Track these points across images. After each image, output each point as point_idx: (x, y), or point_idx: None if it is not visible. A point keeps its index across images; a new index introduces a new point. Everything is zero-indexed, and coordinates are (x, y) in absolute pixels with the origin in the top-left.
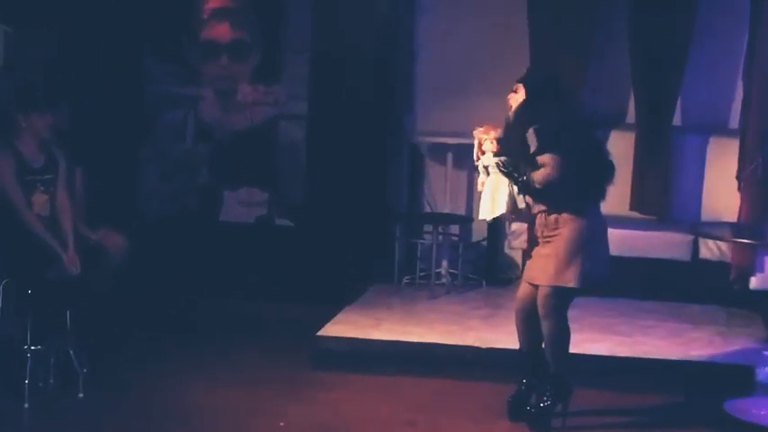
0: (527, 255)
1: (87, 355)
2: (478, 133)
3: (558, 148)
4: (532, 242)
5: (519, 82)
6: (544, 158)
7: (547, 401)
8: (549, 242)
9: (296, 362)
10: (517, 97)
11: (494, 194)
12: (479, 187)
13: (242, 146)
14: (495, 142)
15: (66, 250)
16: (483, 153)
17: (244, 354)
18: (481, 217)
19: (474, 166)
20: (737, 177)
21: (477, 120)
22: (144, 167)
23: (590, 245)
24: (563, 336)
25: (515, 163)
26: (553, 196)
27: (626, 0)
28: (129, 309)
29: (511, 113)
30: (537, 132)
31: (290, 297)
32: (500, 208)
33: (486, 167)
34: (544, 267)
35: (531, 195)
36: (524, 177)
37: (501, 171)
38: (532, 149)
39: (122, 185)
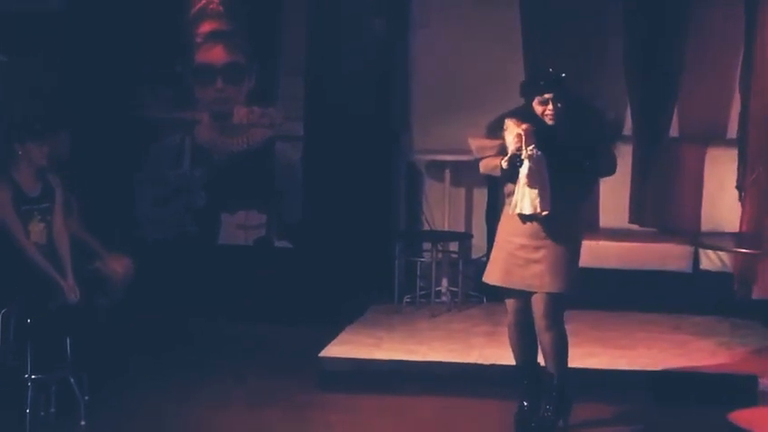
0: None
1: (88, 383)
2: (513, 129)
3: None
4: (509, 250)
5: (548, 91)
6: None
7: (549, 414)
8: (544, 247)
9: (298, 383)
10: (555, 108)
11: (530, 192)
12: (512, 186)
13: (239, 168)
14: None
15: (66, 278)
16: (519, 149)
17: (246, 376)
18: (522, 211)
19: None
20: (738, 187)
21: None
22: (141, 192)
23: (579, 249)
24: (565, 344)
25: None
26: (569, 200)
27: (621, 13)
28: (130, 334)
29: (550, 119)
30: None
31: (290, 318)
32: (537, 205)
33: (531, 156)
34: (541, 274)
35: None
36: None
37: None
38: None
39: (119, 211)
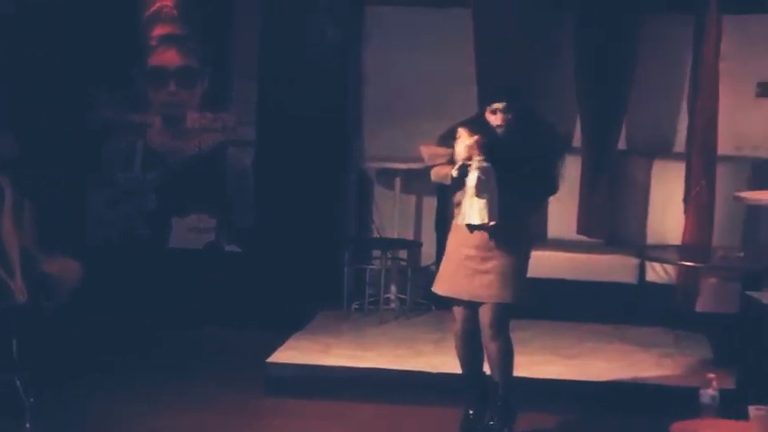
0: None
1: (34, 385)
2: (463, 138)
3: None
4: (457, 260)
5: (499, 101)
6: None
7: (494, 424)
8: (492, 258)
9: (246, 388)
10: (502, 118)
11: (477, 201)
12: (462, 194)
13: (190, 172)
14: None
15: (14, 279)
16: (470, 159)
17: (194, 380)
18: (468, 221)
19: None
20: (684, 200)
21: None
22: (92, 195)
23: (527, 260)
24: (511, 354)
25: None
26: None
27: (571, 25)
28: (78, 337)
29: (501, 130)
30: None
31: (239, 323)
32: (484, 215)
33: (480, 168)
34: (488, 284)
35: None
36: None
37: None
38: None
39: (70, 213)
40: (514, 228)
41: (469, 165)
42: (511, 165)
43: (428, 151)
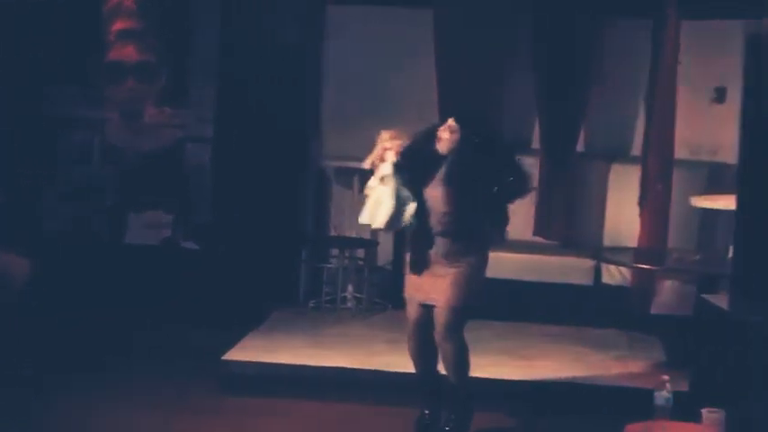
0: (416, 276)
1: None
2: (383, 140)
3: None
4: (420, 263)
5: (457, 124)
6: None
7: (451, 424)
8: (452, 265)
9: (202, 386)
10: (452, 139)
11: (375, 205)
12: (366, 191)
13: (148, 168)
14: (398, 155)
15: None
16: (383, 161)
17: (149, 378)
18: (360, 221)
19: (369, 168)
20: (640, 203)
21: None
22: (49, 190)
23: (485, 265)
24: (466, 355)
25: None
26: (478, 224)
27: (532, 29)
28: (30, 333)
29: (446, 153)
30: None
31: (195, 320)
32: (377, 221)
33: (382, 177)
34: (446, 289)
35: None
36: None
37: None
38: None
39: (27, 208)
40: (474, 237)
41: (382, 177)
42: (451, 184)
43: (386, 136)
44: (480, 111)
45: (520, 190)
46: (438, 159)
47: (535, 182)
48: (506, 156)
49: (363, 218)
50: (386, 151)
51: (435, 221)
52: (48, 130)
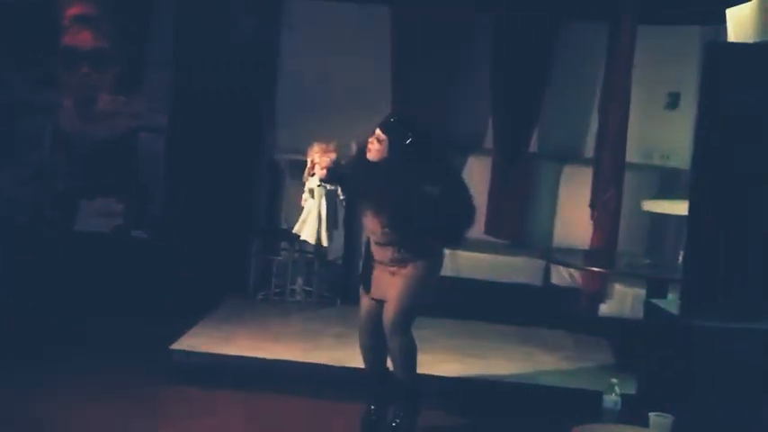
0: (366, 273)
1: None
2: (313, 152)
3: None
4: (369, 262)
5: (383, 133)
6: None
7: (397, 420)
8: (403, 268)
9: (149, 376)
10: (380, 149)
11: (307, 217)
12: (302, 203)
13: (100, 156)
14: (325, 170)
15: None
16: (312, 174)
17: (96, 368)
18: (294, 230)
19: (303, 181)
20: (591, 206)
21: (337, 138)
22: (2, 174)
23: (438, 266)
24: (413, 352)
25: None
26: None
27: (489, 27)
28: None
29: (377, 162)
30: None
31: (143, 310)
32: (306, 234)
33: (311, 190)
34: (397, 286)
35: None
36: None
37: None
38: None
39: None
40: (424, 243)
41: (311, 189)
42: (388, 199)
43: (318, 149)
44: (413, 115)
45: (464, 223)
46: (375, 171)
47: (486, 181)
48: (447, 180)
49: (296, 228)
50: (315, 165)
51: (379, 232)
52: (2, 115)
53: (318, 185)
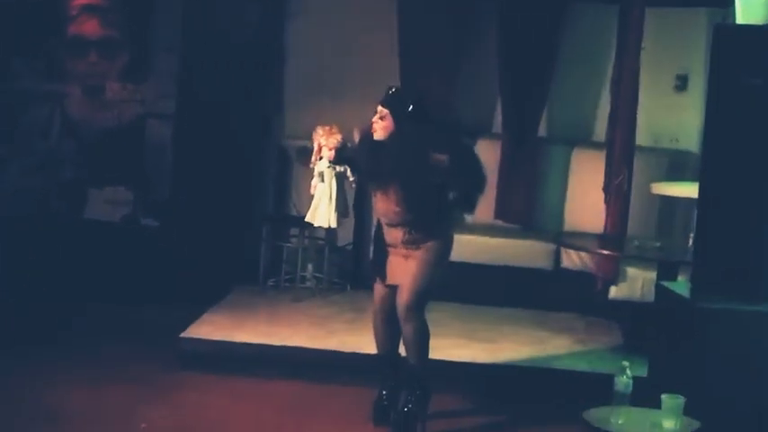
0: (379, 259)
1: None
2: (318, 136)
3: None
4: (380, 247)
5: (384, 107)
6: (463, 163)
7: (409, 405)
8: (415, 250)
9: (160, 363)
10: (385, 125)
11: (318, 203)
12: (312, 190)
13: (109, 144)
14: (333, 150)
15: None
16: (320, 158)
17: (108, 355)
18: (307, 219)
19: (311, 167)
20: (604, 189)
21: (345, 123)
22: (7, 164)
23: (449, 250)
24: (426, 337)
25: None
26: (434, 210)
27: (496, 10)
28: None
29: (384, 140)
30: (440, 150)
31: (154, 298)
32: (320, 220)
33: (321, 173)
34: (410, 270)
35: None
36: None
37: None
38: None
39: None
40: (434, 222)
41: (320, 173)
42: (398, 175)
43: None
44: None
45: (477, 189)
46: (383, 149)
47: (496, 166)
48: (455, 146)
49: (308, 216)
50: (321, 148)
51: (390, 212)
52: (9, 104)
53: (328, 167)
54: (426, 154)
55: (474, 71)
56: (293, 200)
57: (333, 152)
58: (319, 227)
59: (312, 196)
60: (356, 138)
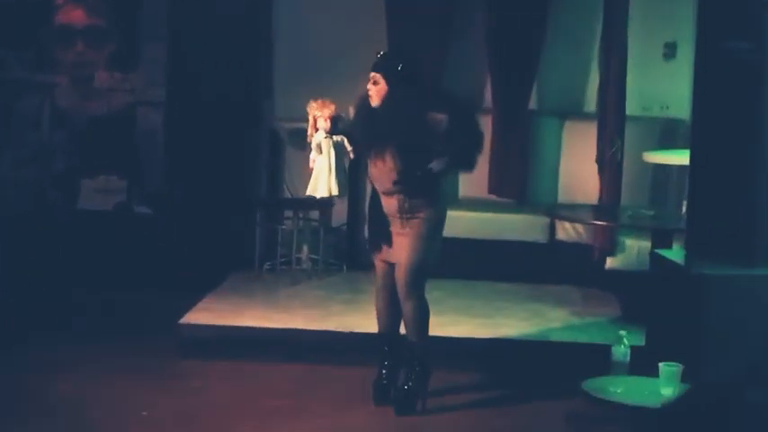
0: (376, 235)
1: None
2: (312, 109)
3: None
4: (376, 220)
5: (375, 71)
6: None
7: (410, 383)
8: (409, 221)
9: (159, 350)
10: (378, 89)
11: (318, 174)
12: (311, 164)
13: (99, 133)
14: (328, 120)
15: None
16: (317, 130)
17: (106, 343)
18: (308, 193)
19: (307, 141)
20: (597, 161)
21: (336, 104)
22: (0, 157)
23: (442, 222)
24: (426, 314)
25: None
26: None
27: None
28: None
29: (379, 104)
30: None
31: (150, 285)
32: (321, 190)
33: (318, 145)
34: (405, 246)
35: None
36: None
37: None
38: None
39: None
40: (426, 192)
41: (318, 144)
42: (385, 137)
43: (310, 117)
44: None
45: (476, 147)
46: (379, 114)
47: (488, 141)
48: (453, 104)
49: (309, 189)
50: (317, 120)
51: (386, 179)
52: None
53: (325, 137)
54: (422, 115)
55: (463, 47)
56: (286, 182)
57: (328, 122)
58: (315, 203)
59: (311, 171)
60: (350, 114)
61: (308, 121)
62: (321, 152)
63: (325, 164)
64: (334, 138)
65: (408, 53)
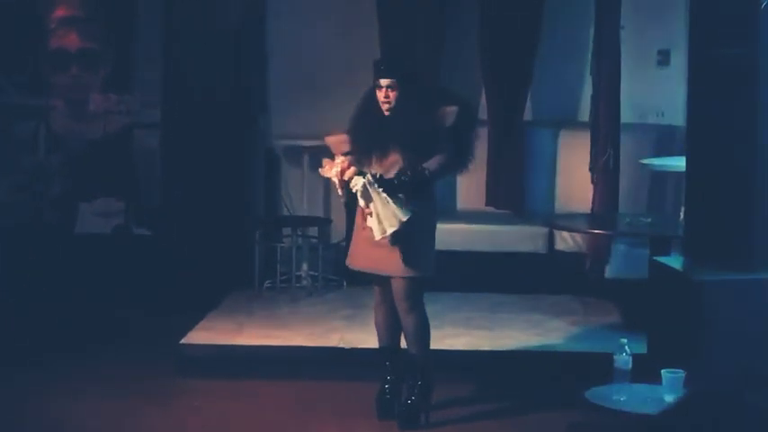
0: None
1: None
2: (326, 172)
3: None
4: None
5: (388, 77)
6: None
7: (413, 397)
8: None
9: (160, 370)
10: (395, 95)
11: (375, 218)
12: (366, 212)
13: (96, 156)
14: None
15: None
16: (344, 179)
17: (108, 364)
18: (377, 237)
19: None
20: (590, 169)
21: (331, 121)
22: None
23: (434, 232)
24: (426, 327)
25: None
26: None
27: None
28: None
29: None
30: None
31: (151, 306)
32: (389, 229)
33: (362, 191)
34: (398, 258)
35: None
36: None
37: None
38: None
39: None
40: (421, 194)
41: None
42: (407, 143)
43: (332, 140)
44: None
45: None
46: (385, 122)
47: (484, 153)
48: (458, 99)
49: (376, 235)
50: (340, 179)
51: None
52: None
53: (361, 178)
54: (435, 110)
55: (456, 60)
56: (284, 199)
57: (350, 168)
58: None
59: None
60: (330, 145)
61: (325, 157)
62: (368, 195)
63: (377, 201)
64: (366, 176)
65: (405, 52)
